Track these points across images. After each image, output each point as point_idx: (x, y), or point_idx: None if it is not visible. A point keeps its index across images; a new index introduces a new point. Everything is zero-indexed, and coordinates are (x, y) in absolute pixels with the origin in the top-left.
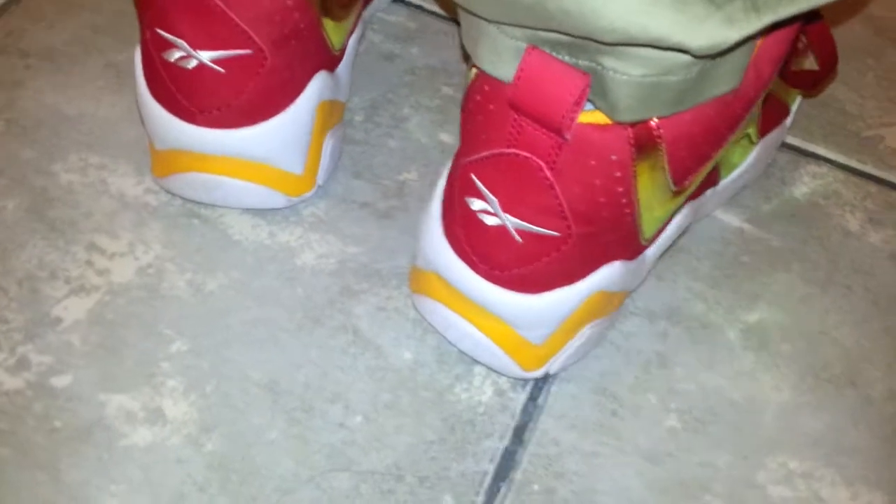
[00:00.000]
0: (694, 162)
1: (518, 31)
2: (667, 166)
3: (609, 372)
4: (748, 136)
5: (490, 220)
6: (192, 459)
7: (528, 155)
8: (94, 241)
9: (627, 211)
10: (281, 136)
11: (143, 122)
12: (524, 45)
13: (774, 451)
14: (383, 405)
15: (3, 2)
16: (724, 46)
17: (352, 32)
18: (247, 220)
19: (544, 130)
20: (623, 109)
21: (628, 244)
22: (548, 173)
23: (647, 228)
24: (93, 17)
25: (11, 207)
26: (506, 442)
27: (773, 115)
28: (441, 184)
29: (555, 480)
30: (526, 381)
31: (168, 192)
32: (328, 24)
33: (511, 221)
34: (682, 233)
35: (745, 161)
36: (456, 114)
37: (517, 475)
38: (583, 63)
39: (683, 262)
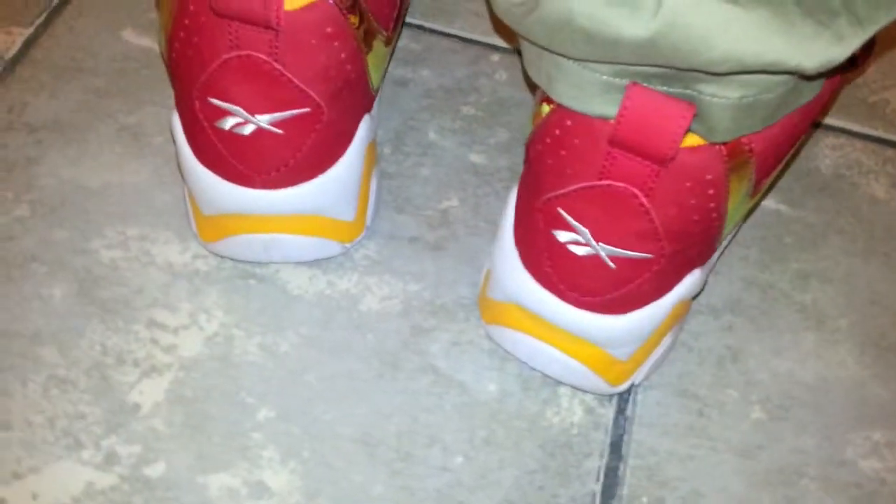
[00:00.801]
0: (775, 165)
1: (605, 67)
2: (753, 175)
3: (686, 373)
4: None
5: (581, 251)
6: None
7: (623, 185)
8: (153, 318)
9: (717, 224)
10: (337, 186)
11: (189, 189)
12: (611, 79)
13: (856, 427)
14: (480, 441)
15: None
16: (835, 64)
17: (387, 69)
18: (302, 272)
19: (640, 160)
20: (721, 131)
21: (709, 252)
22: (643, 200)
23: (725, 232)
24: (93, 80)
25: (59, 295)
26: (605, 459)
27: None
28: (508, 217)
29: (660, 490)
30: (612, 395)
31: (218, 255)
32: (371, 64)
33: (605, 250)
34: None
35: None
36: (480, 133)
37: (624, 490)
38: (677, 91)
39: (733, 252)
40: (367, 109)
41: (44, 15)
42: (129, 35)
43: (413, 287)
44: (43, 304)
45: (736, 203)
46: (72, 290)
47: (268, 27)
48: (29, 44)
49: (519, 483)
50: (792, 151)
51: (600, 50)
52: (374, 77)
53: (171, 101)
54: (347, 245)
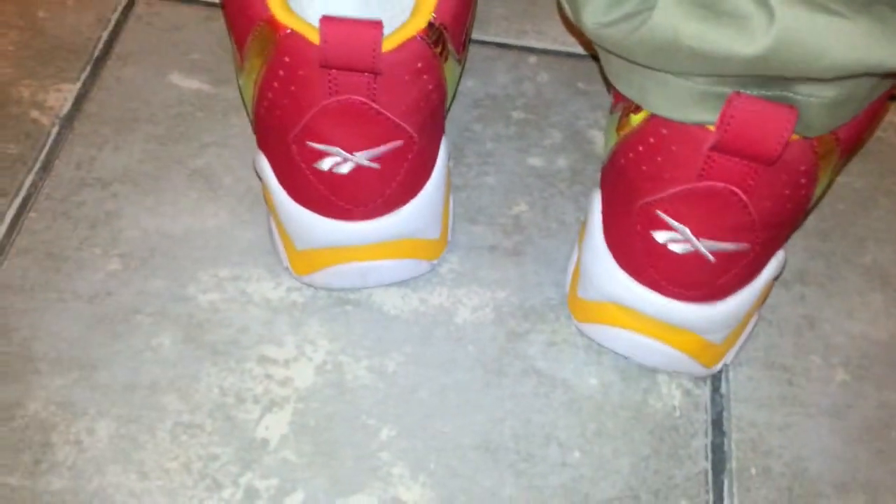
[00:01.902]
0: (855, 149)
1: (702, 77)
2: (837, 160)
3: (770, 346)
4: None
5: (680, 248)
6: None
7: (723, 185)
8: (262, 353)
9: (804, 208)
10: (427, 208)
11: (280, 226)
12: (707, 88)
13: None
14: (592, 434)
15: (57, 132)
16: None
17: (457, 87)
18: (394, 293)
19: (739, 161)
20: (818, 127)
21: (792, 233)
22: (743, 196)
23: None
24: (152, 128)
25: (168, 343)
26: (710, 437)
27: None
28: (595, 220)
29: (765, 459)
30: (707, 376)
31: (312, 286)
32: (449, 90)
33: (705, 245)
34: None
35: None
36: (534, 136)
37: (732, 465)
38: (774, 94)
39: None
40: (443, 131)
41: (88, 68)
42: (177, 78)
43: (501, 294)
44: (154, 354)
45: (822, 184)
46: (179, 338)
47: (372, 72)
48: (80, 99)
49: (636, 469)
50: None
51: (707, 66)
52: (448, 98)
53: (232, 140)
54: (435, 262)
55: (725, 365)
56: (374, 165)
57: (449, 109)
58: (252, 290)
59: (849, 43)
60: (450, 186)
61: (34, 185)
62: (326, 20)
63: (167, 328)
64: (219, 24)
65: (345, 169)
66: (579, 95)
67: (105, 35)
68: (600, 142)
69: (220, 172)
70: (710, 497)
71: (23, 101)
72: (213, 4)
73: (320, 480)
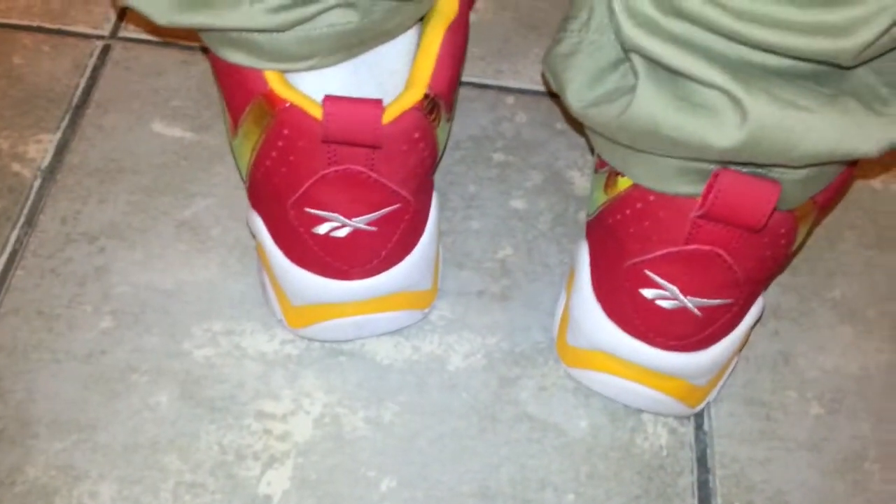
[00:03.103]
0: (831, 208)
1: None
2: (814, 219)
3: (748, 382)
4: None
5: (667, 304)
6: None
7: (709, 248)
8: (260, 409)
9: (785, 261)
10: (421, 262)
11: (275, 283)
12: (686, 164)
13: None
14: (585, 477)
15: (39, 184)
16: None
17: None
18: (386, 342)
19: (724, 226)
20: (791, 201)
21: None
22: (728, 258)
23: None
24: (137, 178)
25: (165, 401)
26: (696, 474)
27: None
28: (583, 273)
29: (748, 494)
30: (690, 416)
31: (306, 339)
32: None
33: (692, 301)
34: None
35: None
36: (515, 178)
37: (718, 501)
38: (752, 171)
39: None
40: (433, 185)
41: (67, 117)
42: (160, 127)
43: (491, 340)
44: (152, 412)
45: (800, 241)
46: (176, 395)
47: (374, 147)
48: (61, 149)
49: None
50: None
51: (687, 152)
52: (439, 154)
53: (217, 189)
54: (426, 311)
55: (707, 403)
56: (372, 228)
57: (439, 163)
58: (246, 344)
59: (819, 135)
60: (438, 238)
61: (19, 240)
62: (329, 100)
63: (164, 386)
64: (197, 68)
65: (342, 233)
66: (557, 135)
67: (83, 82)
68: (580, 182)
69: (208, 223)
70: None
71: (2, 154)
72: (191, 47)
73: None
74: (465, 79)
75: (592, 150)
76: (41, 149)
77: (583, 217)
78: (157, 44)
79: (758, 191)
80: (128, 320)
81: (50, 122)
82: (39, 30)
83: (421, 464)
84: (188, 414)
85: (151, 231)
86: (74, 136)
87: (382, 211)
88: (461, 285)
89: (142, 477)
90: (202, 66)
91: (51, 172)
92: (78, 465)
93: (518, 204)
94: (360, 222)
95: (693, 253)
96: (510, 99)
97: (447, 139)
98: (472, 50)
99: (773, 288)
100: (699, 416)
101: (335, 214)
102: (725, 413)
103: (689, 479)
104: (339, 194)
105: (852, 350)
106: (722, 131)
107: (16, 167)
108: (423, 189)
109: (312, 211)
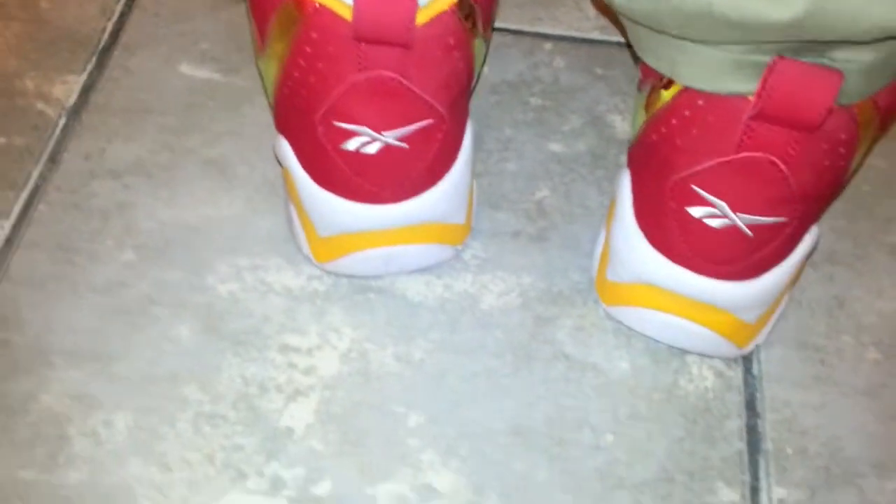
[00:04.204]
0: (891, 120)
1: (736, 46)
2: (876, 129)
3: (801, 326)
4: None
5: (717, 223)
6: None
7: (762, 155)
8: (285, 343)
9: (842, 181)
10: (453, 191)
11: (303, 213)
12: (741, 56)
13: None
14: (625, 417)
15: (64, 123)
16: None
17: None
18: (418, 279)
19: (780, 129)
20: (853, 94)
21: (827, 207)
22: (783, 167)
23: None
24: (164, 118)
25: (187, 334)
26: (744, 418)
27: None
28: (625, 201)
29: (801, 439)
30: (738, 357)
31: (334, 274)
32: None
33: (743, 219)
34: None
35: None
36: (553, 122)
37: (768, 445)
38: (809, 59)
39: None
40: (469, 112)
41: (94, 59)
42: (187, 68)
43: (527, 279)
44: (173, 345)
45: (859, 157)
46: (198, 328)
47: (405, 46)
48: (87, 90)
49: (670, 451)
50: None
51: (741, 34)
52: (474, 78)
53: (245, 129)
54: (458, 248)
55: (756, 346)
56: (403, 145)
57: (473, 90)
58: (272, 280)
59: (887, 4)
60: (473, 170)
61: (42, 176)
62: None
63: (186, 319)
64: (226, 13)
65: (372, 149)
66: (597, 81)
67: (110, 26)
68: (621, 126)
69: (235, 162)
70: (747, 478)
71: (28, 93)
72: None
73: (348, 469)
74: (500, 25)
75: (636, 62)
76: (67, 89)
77: (624, 160)
78: None
79: (818, 78)
80: (150, 254)
81: (76, 63)
82: None
83: (452, 401)
84: (210, 347)
85: (177, 169)
86: (101, 77)
87: (415, 125)
88: (495, 226)
89: (159, 407)
90: (231, 11)
91: (76, 112)
92: (93, 395)
93: (556, 147)
94: (390, 137)
95: (745, 162)
96: (548, 45)
97: (483, 63)
98: None
99: (829, 234)
100: (748, 360)
101: (364, 128)
102: (776, 357)
103: (736, 423)
104: (369, 106)
105: None
106: (780, 3)
107: (40, 106)
108: (458, 109)
109: (341, 125)
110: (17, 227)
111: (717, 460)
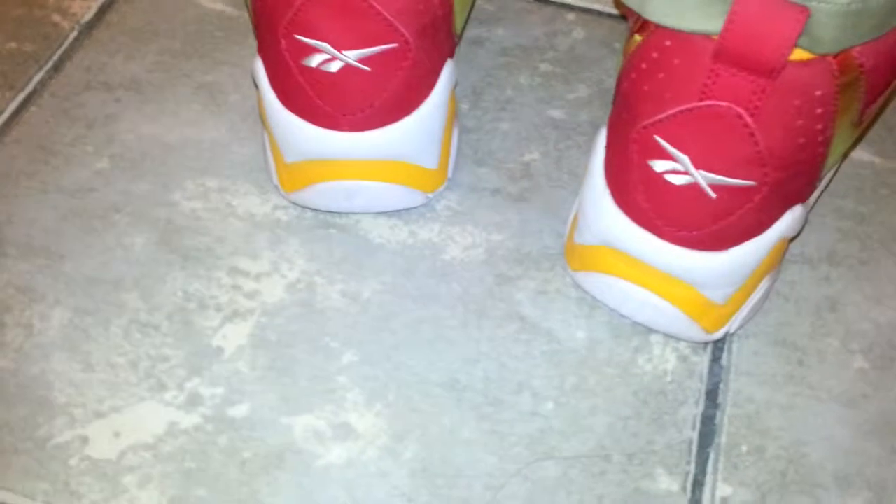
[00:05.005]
0: (884, 88)
1: None
2: (863, 96)
3: (784, 323)
4: None
5: (679, 180)
6: (393, 471)
7: (727, 104)
8: (235, 265)
9: (822, 150)
10: (422, 129)
11: (269, 135)
12: None
13: None
14: (571, 388)
15: (75, 36)
16: None
17: (469, 14)
18: (383, 222)
19: (746, 76)
20: (828, 41)
21: (810, 186)
22: (749, 120)
23: (828, 166)
24: (168, 42)
25: (140, 242)
26: (701, 407)
27: None
28: (598, 156)
29: (761, 438)
30: (706, 343)
31: (300, 205)
32: (457, 4)
33: (705, 177)
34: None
35: None
36: (559, 89)
37: (722, 439)
38: None
39: (826, 203)
40: (451, 54)
41: None
42: (204, 0)
43: (497, 237)
44: (125, 252)
45: (842, 128)
46: (153, 239)
47: None
48: (105, 9)
49: (612, 429)
50: None
51: None
52: (458, 20)
53: (246, 62)
54: (429, 195)
55: (729, 334)
56: (365, 68)
57: (460, 36)
58: (237, 203)
59: None
60: (454, 119)
61: (42, 82)
62: None
63: (143, 229)
64: None
65: (333, 68)
66: (613, 55)
67: None
68: None
69: (228, 90)
70: (692, 469)
71: (47, 6)
72: None
73: (269, 396)
74: None
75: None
76: (85, 6)
77: None
78: None
79: (781, 13)
80: (124, 165)
81: None
82: None
83: (390, 345)
84: (160, 259)
85: (170, 89)
86: None
87: (377, 48)
88: (476, 180)
89: (97, 309)
90: None
91: (88, 28)
92: (37, 289)
93: (556, 113)
94: (351, 56)
95: (708, 112)
96: (570, 16)
97: (469, 11)
98: None
99: (835, 233)
100: (718, 349)
101: (325, 44)
102: (750, 350)
103: (692, 411)
104: (329, 20)
105: None
106: None
107: (56, 18)
108: (430, 40)
109: (303, 38)
110: (7, 125)
111: (663, 446)
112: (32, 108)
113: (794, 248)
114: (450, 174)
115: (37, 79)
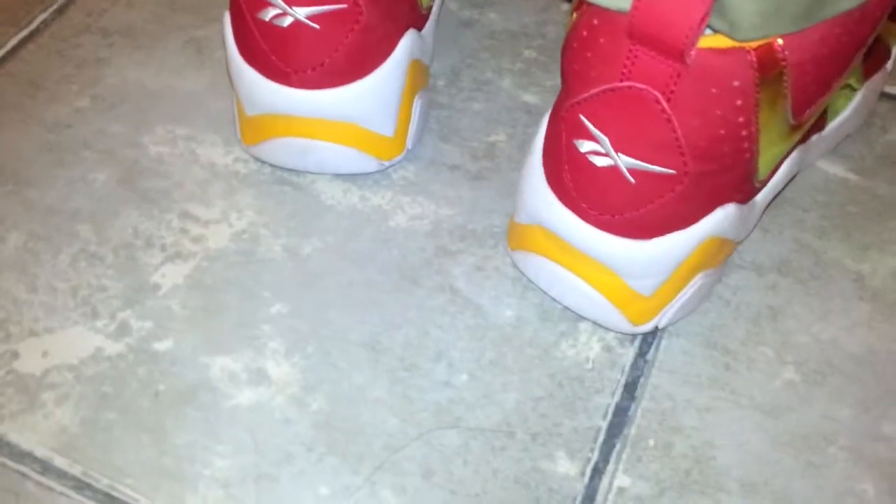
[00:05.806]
0: (817, 89)
1: None
2: (789, 94)
3: (719, 326)
4: (849, 84)
5: (600, 161)
6: (297, 419)
7: (643, 87)
8: (187, 210)
9: (746, 146)
10: (375, 94)
11: (234, 87)
12: None
13: None
14: (488, 363)
15: None
16: None
17: None
18: (338, 185)
19: (662, 59)
20: (746, 27)
21: (743, 185)
22: (665, 105)
23: (763, 168)
24: None
25: (103, 179)
26: (617, 398)
27: (876, 58)
28: (540, 135)
29: (671, 435)
30: (634, 336)
31: (259, 160)
32: None
33: (624, 161)
34: (789, 181)
35: (849, 106)
36: (538, 76)
37: (631, 431)
38: None
39: (789, 213)
40: (415, 26)
41: None
42: None
43: (446, 211)
44: (87, 186)
45: (770, 125)
46: (115, 177)
47: None
48: None
49: (521, 407)
50: (841, 80)
51: None
52: None
53: None
54: (385, 163)
55: (658, 330)
56: (314, 25)
57: (429, 9)
58: (201, 152)
59: None
60: (417, 90)
61: (45, 22)
62: None
63: (108, 167)
64: None
65: (284, 22)
66: None
67: None
68: None
69: (215, 46)
70: (594, 456)
71: None
72: None
73: (194, 335)
74: None
75: None
76: None
77: None
78: None
79: None
80: (103, 105)
81: None
82: None
83: (319, 301)
84: (119, 196)
85: (161, 40)
86: None
87: (326, 7)
88: (437, 155)
89: (50, 236)
90: None
91: None
92: None
93: (531, 98)
94: (301, 13)
95: (628, 92)
96: (565, 6)
97: None
98: None
99: (790, 242)
100: (646, 343)
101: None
102: (677, 348)
103: (606, 401)
104: None
105: (862, 329)
106: None
107: None
108: (383, 6)
109: None
110: (4, 60)
111: (569, 430)
112: (30, 46)
113: (746, 254)
114: (409, 146)
115: (40, 18)
